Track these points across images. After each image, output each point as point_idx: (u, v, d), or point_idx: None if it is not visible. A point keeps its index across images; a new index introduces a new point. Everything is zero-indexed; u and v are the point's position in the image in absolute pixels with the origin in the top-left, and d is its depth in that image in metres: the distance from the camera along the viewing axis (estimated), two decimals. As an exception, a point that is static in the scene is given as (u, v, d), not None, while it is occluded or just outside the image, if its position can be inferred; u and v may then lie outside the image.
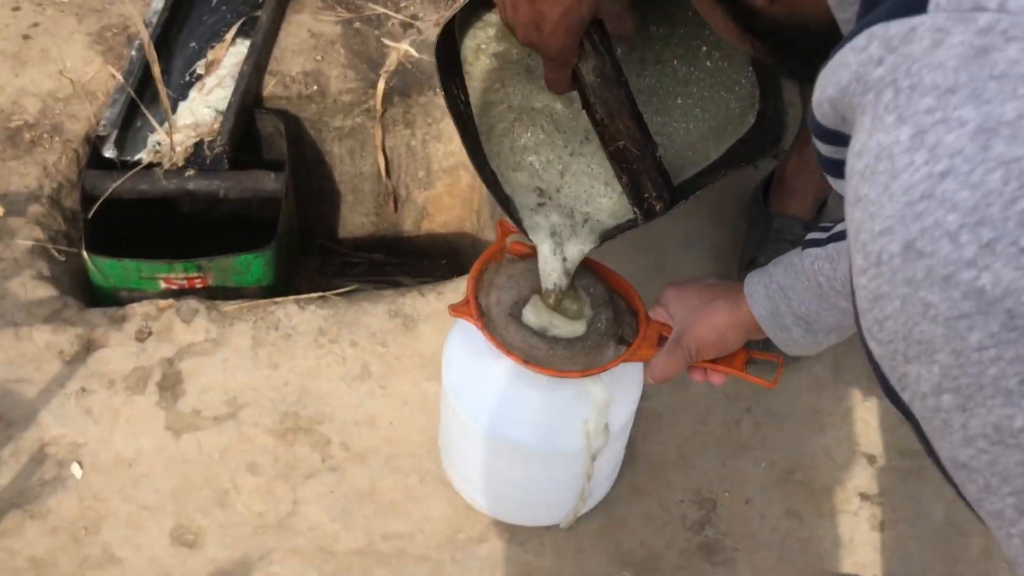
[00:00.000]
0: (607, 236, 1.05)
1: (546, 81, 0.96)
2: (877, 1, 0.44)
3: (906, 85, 0.40)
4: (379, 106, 1.73)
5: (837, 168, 0.46)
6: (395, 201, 1.89)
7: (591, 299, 1.09)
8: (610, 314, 1.08)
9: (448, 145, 1.80)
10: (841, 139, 0.46)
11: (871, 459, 1.42)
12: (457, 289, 1.51)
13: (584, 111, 0.98)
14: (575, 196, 1.07)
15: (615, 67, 0.93)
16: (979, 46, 0.38)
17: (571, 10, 0.84)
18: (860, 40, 0.43)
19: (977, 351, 0.38)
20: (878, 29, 0.42)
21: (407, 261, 1.98)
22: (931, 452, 0.45)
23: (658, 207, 1.00)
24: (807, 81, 0.49)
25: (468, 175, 1.83)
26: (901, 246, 0.39)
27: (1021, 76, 0.37)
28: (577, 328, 1.07)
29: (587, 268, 1.10)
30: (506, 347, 1.04)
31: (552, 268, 1.06)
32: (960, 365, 0.39)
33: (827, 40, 0.53)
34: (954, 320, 0.38)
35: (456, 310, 1.06)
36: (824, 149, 0.49)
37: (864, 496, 1.39)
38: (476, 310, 1.06)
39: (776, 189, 1.53)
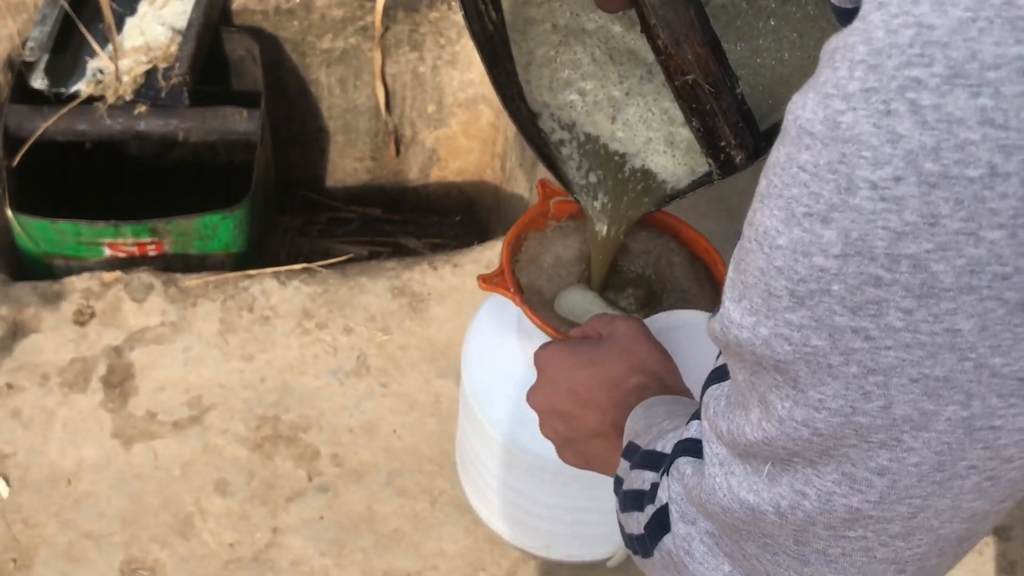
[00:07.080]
0: (672, 197, 0.98)
1: None
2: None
3: None
4: (379, 23, 1.68)
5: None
6: (397, 143, 1.86)
7: (655, 276, 1.02)
8: (675, 297, 1.00)
9: (466, 72, 1.77)
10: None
11: None
12: (478, 260, 1.43)
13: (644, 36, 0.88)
14: (629, 149, 0.99)
15: None
16: None
17: None
18: None
19: None
20: None
21: (411, 218, 1.95)
22: None
23: (738, 158, 0.90)
24: None
25: (491, 110, 1.77)
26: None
27: None
28: None
29: (651, 228, 1.04)
30: (553, 328, 0.93)
31: (595, 249, 0.98)
32: None
33: None
34: None
35: (487, 281, 0.98)
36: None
37: None
38: (513, 284, 0.97)
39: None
